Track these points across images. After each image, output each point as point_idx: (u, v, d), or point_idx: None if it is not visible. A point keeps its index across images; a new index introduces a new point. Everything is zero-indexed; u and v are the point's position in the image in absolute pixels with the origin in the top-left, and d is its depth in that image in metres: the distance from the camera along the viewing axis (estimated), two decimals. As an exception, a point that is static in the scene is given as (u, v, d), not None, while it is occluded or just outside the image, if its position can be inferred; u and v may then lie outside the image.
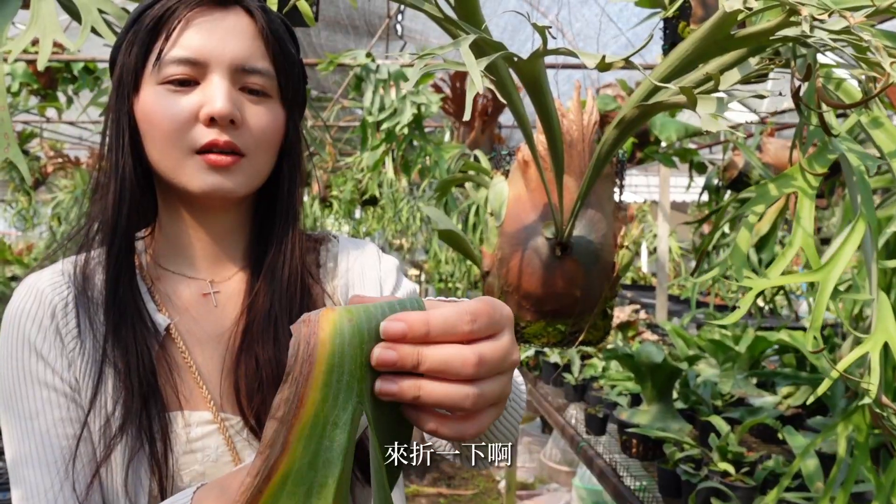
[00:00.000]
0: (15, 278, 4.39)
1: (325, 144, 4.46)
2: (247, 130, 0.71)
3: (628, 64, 0.64)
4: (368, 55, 2.70)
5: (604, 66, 0.62)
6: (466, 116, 0.64)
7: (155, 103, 0.69)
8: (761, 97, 0.67)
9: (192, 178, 0.70)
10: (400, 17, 5.48)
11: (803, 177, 0.80)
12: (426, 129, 2.89)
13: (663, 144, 3.15)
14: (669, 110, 0.78)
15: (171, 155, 0.70)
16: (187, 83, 0.69)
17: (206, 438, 0.71)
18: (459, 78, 2.90)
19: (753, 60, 0.80)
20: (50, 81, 2.51)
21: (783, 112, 3.18)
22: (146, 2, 0.72)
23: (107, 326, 0.70)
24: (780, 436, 1.81)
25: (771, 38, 0.77)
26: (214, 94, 0.68)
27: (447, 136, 3.45)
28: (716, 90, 0.75)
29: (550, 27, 0.62)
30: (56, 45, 2.68)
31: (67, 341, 0.70)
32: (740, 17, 0.74)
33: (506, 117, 3.49)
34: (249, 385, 0.72)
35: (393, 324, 0.39)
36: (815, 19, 0.69)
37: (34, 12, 0.86)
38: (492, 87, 0.67)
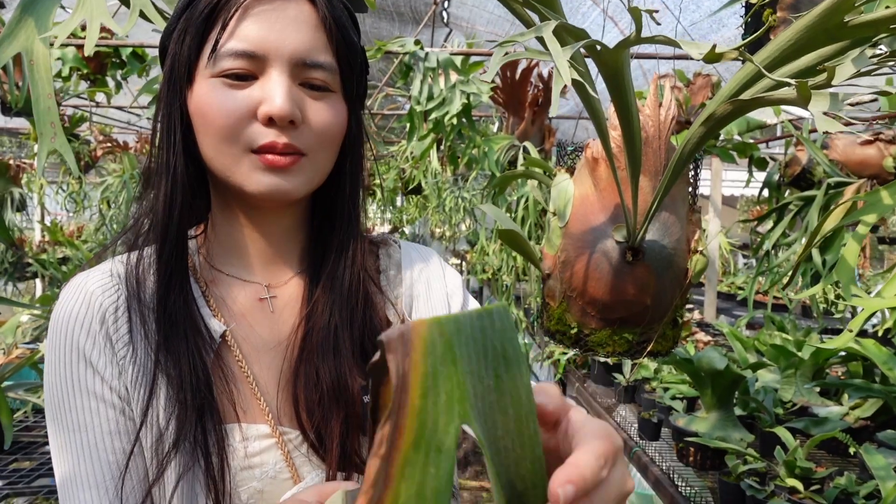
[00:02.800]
0: (66, 260, 4.46)
1: (370, 133, 4.43)
2: (307, 128, 0.66)
3: (741, 55, 0.56)
4: (417, 42, 2.63)
5: (713, 57, 0.55)
6: (553, 111, 0.57)
7: (209, 97, 0.64)
8: (886, 94, 0.58)
9: (248, 179, 0.65)
10: (446, 3, 5.41)
11: (921, 183, 0.72)
12: (473, 118, 2.82)
13: (722, 138, 3.02)
14: (772, 107, 0.70)
15: (225, 152, 0.65)
16: (245, 77, 0.64)
17: (264, 453, 0.67)
18: (511, 67, 2.81)
19: (868, 52, 0.71)
20: (99, 66, 2.52)
21: (853, 104, 3.02)
22: None
23: (159, 334, 0.66)
24: (851, 450, 1.71)
25: (892, 26, 0.68)
26: (273, 92, 0.63)
27: (495, 127, 3.38)
28: (828, 85, 0.66)
29: (657, 10, 0.55)
30: (104, 30, 2.68)
31: (118, 348, 0.66)
32: (858, 2, 0.66)
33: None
34: (308, 398, 0.68)
35: (567, 488, 0.34)
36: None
37: (83, -4, 0.82)
38: (579, 77, 0.60)
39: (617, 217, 1.02)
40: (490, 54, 2.77)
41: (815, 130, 3.13)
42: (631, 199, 0.96)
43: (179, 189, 0.68)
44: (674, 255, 1.04)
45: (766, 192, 2.99)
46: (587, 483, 0.35)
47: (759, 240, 2.72)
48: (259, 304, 0.73)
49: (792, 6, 1.10)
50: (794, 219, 2.50)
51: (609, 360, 2.60)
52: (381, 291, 0.78)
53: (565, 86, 0.60)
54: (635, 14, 0.59)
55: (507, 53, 0.62)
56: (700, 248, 1.08)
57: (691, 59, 0.69)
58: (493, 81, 2.78)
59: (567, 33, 0.72)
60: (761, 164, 3.10)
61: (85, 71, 2.47)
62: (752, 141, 3.27)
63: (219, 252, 0.75)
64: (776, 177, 2.89)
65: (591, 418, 0.41)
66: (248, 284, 0.74)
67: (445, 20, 5.83)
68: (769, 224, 2.62)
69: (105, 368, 0.65)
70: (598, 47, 0.72)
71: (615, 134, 0.97)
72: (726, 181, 7.54)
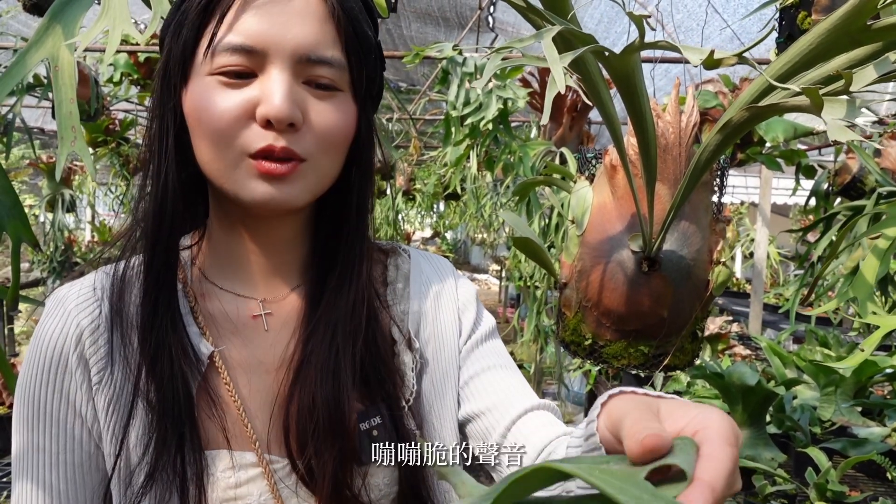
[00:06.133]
0: (108, 261, 4.61)
1: (411, 137, 4.45)
2: (309, 132, 0.60)
3: (741, 60, 0.54)
4: (455, 48, 2.63)
5: (712, 63, 0.53)
6: (544, 120, 0.56)
7: (204, 96, 0.59)
8: (904, 101, 0.55)
9: (243, 187, 0.60)
10: (492, 8, 5.39)
11: (949, 196, 0.67)
12: (513, 125, 2.80)
13: (768, 145, 2.93)
14: (787, 113, 0.67)
15: (220, 157, 0.60)
16: (243, 75, 0.59)
17: (248, 484, 0.63)
18: (548, 72, 2.78)
19: (893, 56, 0.67)
20: (149, 72, 2.59)
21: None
22: None
23: (141, 356, 0.62)
24: (889, 474, 1.63)
25: (917, 30, 0.65)
26: (272, 92, 0.58)
27: (534, 132, 3.35)
28: (846, 92, 0.63)
29: (649, 16, 0.53)
30: (155, 35, 2.75)
31: (94, 371, 0.62)
32: (881, 4, 0.62)
33: (595, 114, 3.35)
34: (301, 426, 0.63)
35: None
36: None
37: (105, 4, 0.84)
38: (573, 84, 0.59)
39: (634, 226, 1.00)
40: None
41: (869, 137, 3.01)
42: (647, 207, 0.93)
43: (170, 196, 0.63)
44: (693, 265, 1.01)
45: (813, 202, 2.89)
46: (718, 501, 0.34)
47: (806, 250, 2.63)
48: (252, 322, 0.68)
49: (827, 8, 1.06)
50: (844, 229, 2.41)
51: (641, 373, 2.55)
52: (385, 308, 0.72)
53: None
54: (635, 20, 0.58)
55: (504, 59, 0.61)
56: (723, 259, 1.05)
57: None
58: (529, 86, 2.76)
59: (574, 38, 0.70)
60: (809, 172, 2.99)
61: (135, 76, 2.54)
62: (801, 148, 3.16)
63: (214, 263, 0.70)
64: (824, 185, 2.79)
65: (708, 409, 0.39)
66: (241, 299, 0.69)
67: (491, 25, 5.81)
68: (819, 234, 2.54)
69: (75, 393, 0.62)
70: (606, 53, 0.71)
71: (632, 140, 0.94)
72: (777, 189, 7.32)
